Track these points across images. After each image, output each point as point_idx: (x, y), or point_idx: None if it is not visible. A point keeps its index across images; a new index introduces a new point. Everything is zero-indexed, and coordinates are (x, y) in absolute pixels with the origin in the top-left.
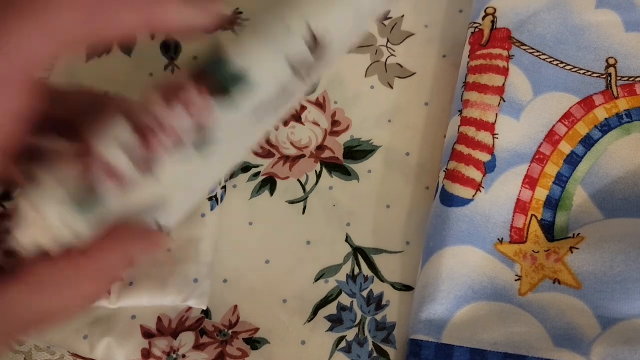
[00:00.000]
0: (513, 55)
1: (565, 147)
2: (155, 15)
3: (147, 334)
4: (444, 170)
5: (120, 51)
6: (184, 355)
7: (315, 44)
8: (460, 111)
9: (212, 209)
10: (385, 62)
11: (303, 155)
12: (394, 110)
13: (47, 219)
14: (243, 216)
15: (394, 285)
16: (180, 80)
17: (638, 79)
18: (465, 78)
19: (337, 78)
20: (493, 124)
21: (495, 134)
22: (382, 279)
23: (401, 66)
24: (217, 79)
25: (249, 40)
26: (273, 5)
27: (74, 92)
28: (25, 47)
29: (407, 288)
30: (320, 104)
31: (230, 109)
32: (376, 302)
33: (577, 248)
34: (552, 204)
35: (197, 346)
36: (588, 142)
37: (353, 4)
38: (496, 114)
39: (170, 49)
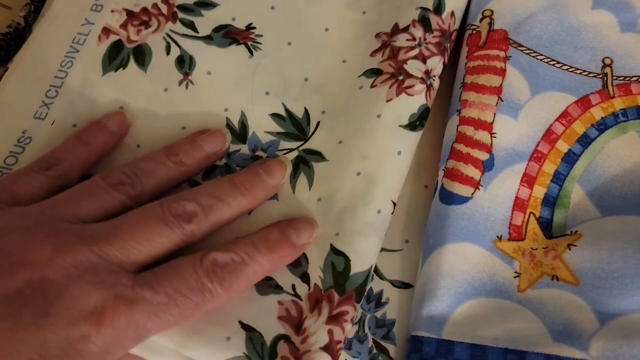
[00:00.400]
0: (510, 56)
1: (562, 146)
2: None
3: None
4: (443, 169)
5: (136, 65)
6: None
7: None
8: (459, 111)
9: None
10: None
11: None
12: None
13: None
14: None
15: (393, 283)
16: None
17: (634, 78)
18: (464, 79)
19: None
20: (491, 123)
21: (494, 133)
22: (381, 277)
23: None
24: None
25: None
26: None
27: None
28: None
29: (407, 286)
30: None
31: None
32: (376, 300)
33: (575, 245)
34: (550, 202)
35: None
36: (585, 141)
37: None
38: (494, 114)
39: (185, 63)
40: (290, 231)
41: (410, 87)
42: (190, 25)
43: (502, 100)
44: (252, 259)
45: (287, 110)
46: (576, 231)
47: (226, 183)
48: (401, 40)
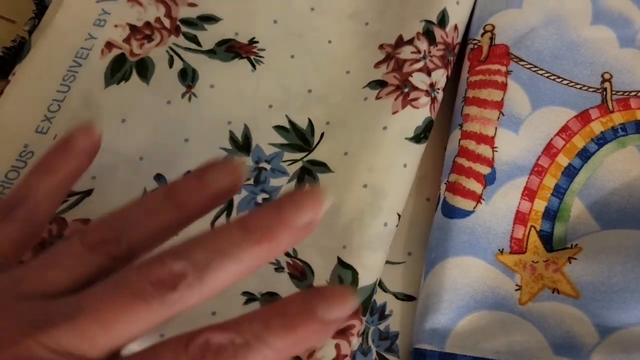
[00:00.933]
0: (511, 71)
1: (563, 160)
2: None
3: None
4: (445, 183)
5: (139, 78)
6: None
7: None
8: (461, 125)
9: None
10: None
11: None
12: None
13: None
14: None
15: (396, 296)
16: None
17: (632, 93)
18: (465, 93)
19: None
20: (493, 137)
21: (495, 148)
22: (385, 289)
23: None
24: None
25: None
26: None
27: None
28: None
29: (410, 298)
30: None
31: None
32: (380, 312)
33: (575, 259)
34: (550, 215)
35: None
36: (585, 155)
37: None
38: (496, 128)
39: (187, 76)
40: (317, 303)
41: (415, 99)
42: (194, 39)
43: (503, 115)
44: (262, 341)
45: (290, 122)
46: (576, 244)
47: (235, 228)
48: (406, 52)
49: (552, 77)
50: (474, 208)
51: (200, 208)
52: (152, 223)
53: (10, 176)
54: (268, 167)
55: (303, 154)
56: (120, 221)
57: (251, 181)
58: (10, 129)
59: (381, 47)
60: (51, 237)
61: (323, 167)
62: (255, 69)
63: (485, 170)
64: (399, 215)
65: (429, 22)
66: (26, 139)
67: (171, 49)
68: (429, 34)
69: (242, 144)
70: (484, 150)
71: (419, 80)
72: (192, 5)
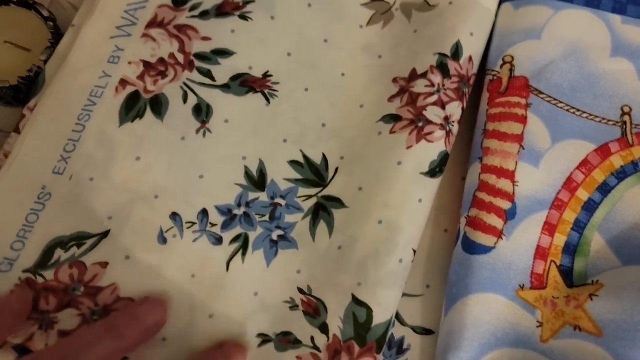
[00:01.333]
0: (531, 104)
1: (582, 194)
2: None
3: None
4: (465, 217)
5: (153, 114)
6: None
7: None
8: (481, 158)
9: None
10: None
11: None
12: None
13: None
14: None
15: (415, 329)
16: None
17: None
18: (485, 125)
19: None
20: (513, 171)
21: (516, 182)
22: (402, 323)
23: None
24: None
25: None
26: None
27: None
28: None
29: (428, 332)
30: None
31: None
32: (397, 347)
33: (596, 295)
34: (570, 249)
35: None
36: (604, 189)
37: None
38: (516, 162)
39: (202, 111)
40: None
41: (429, 133)
42: (207, 74)
43: (523, 148)
44: None
45: (304, 156)
46: (597, 280)
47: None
48: (419, 86)
49: (572, 110)
50: (495, 244)
51: (135, 340)
52: (92, 353)
53: (30, 219)
54: (283, 202)
55: (317, 189)
56: (66, 350)
57: (266, 217)
58: (28, 170)
59: (394, 80)
60: (73, 282)
61: (337, 202)
62: (269, 102)
63: (505, 205)
64: (414, 251)
65: (442, 54)
66: (43, 180)
67: (185, 84)
68: (442, 67)
69: (257, 179)
70: (504, 184)
71: (433, 113)
72: (206, 39)
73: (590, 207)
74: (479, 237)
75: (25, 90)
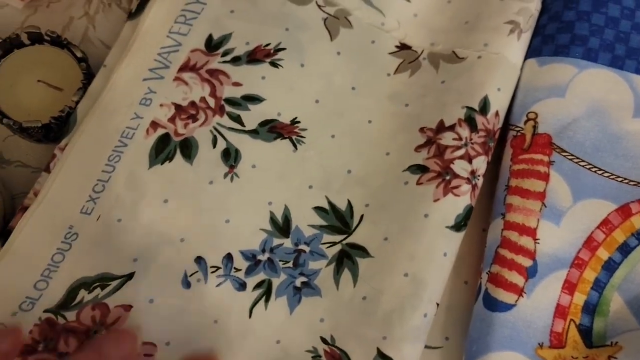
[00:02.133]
0: (554, 161)
1: (603, 254)
2: None
3: None
4: (486, 273)
5: (182, 158)
6: None
7: None
8: (503, 215)
9: None
10: None
11: None
12: None
13: None
14: None
15: None
16: None
17: None
18: (508, 182)
19: None
20: (535, 229)
21: (537, 240)
22: None
23: None
24: None
25: None
26: None
27: None
28: None
29: None
30: None
31: None
32: None
33: (615, 358)
34: (589, 309)
35: None
36: (625, 250)
37: None
38: (538, 219)
39: (230, 156)
40: None
41: (456, 187)
42: (237, 119)
43: (545, 206)
44: None
45: (330, 203)
46: (616, 342)
47: None
48: (447, 138)
49: (594, 169)
50: (516, 301)
51: None
52: None
53: (56, 259)
54: (307, 249)
55: (342, 237)
56: None
57: (290, 264)
58: (57, 210)
59: (422, 130)
60: (95, 325)
61: (362, 251)
62: (296, 149)
63: (527, 262)
64: (437, 305)
65: (470, 108)
66: (71, 220)
67: (215, 128)
68: (470, 121)
69: (282, 225)
70: (526, 242)
71: (461, 167)
72: (237, 84)
73: (610, 267)
74: (500, 294)
75: (56, 129)
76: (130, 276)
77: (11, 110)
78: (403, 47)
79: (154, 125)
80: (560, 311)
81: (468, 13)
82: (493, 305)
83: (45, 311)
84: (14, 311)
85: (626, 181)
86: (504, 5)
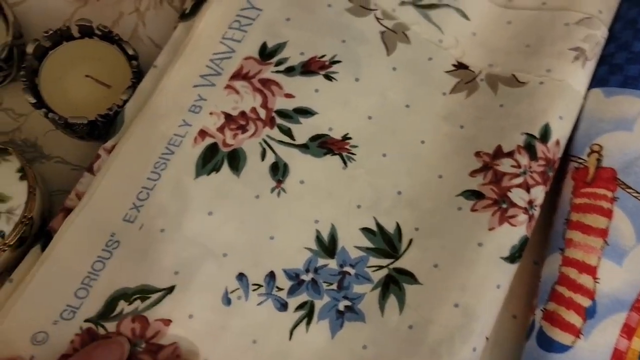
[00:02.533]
0: (618, 198)
1: None
2: None
3: None
4: (542, 310)
5: (230, 169)
6: None
7: None
8: (562, 250)
9: None
10: None
11: None
12: None
13: None
14: None
15: None
16: None
17: None
18: (569, 215)
19: None
20: (595, 267)
21: (597, 279)
22: None
23: None
24: None
25: None
26: None
27: None
28: None
29: None
30: None
31: None
32: None
33: None
34: None
35: None
36: None
37: None
38: (599, 257)
39: (279, 171)
40: None
41: (513, 217)
42: (288, 132)
43: (607, 244)
44: None
45: (378, 224)
46: None
47: None
48: (505, 165)
49: None
50: (573, 343)
51: None
52: None
53: (97, 267)
54: (352, 271)
55: (389, 261)
56: None
57: (334, 286)
58: (99, 216)
59: (477, 154)
60: (135, 337)
61: (410, 277)
62: (346, 166)
63: (586, 302)
64: (487, 339)
65: (530, 135)
66: (114, 227)
67: (264, 141)
68: (530, 148)
69: (328, 245)
70: (585, 280)
71: (518, 196)
72: (289, 96)
73: None
74: (557, 335)
75: (101, 127)
76: (170, 289)
77: (57, 104)
78: (460, 66)
79: (203, 134)
80: (618, 356)
81: (530, 36)
82: (548, 345)
83: (86, 321)
84: (55, 319)
85: None
86: (569, 30)
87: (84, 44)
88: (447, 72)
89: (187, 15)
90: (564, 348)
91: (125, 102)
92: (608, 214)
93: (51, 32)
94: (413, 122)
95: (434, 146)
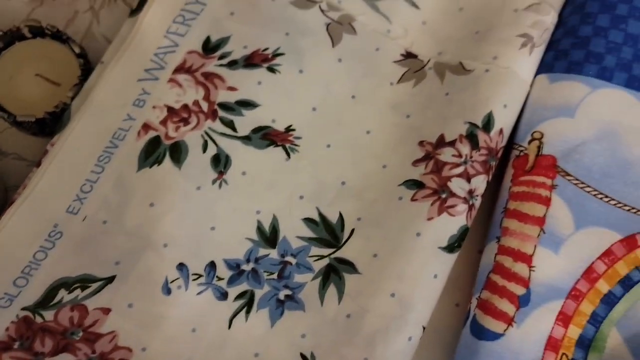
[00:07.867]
0: (557, 185)
1: (603, 286)
2: None
3: None
4: (476, 298)
5: (171, 162)
6: None
7: None
8: (499, 238)
9: None
10: None
11: None
12: None
13: None
14: None
15: None
16: None
17: None
18: (506, 204)
19: None
20: (531, 255)
21: (533, 267)
22: None
23: None
24: None
25: None
26: None
27: None
28: None
29: None
30: None
31: None
32: None
33: None
34: (584, 344)
35: None
36: (627, 284)
37: None
38: (535, 246)
39: (220, 162)
40: None
41: (452, 206)
42: (230, 124)
43: (544, 232)
44: None
45: (320, 214)
46: None
47: None
48: (447, 154)
49: (600, 196)
50: (504, 331)
51: None
52: None
53: (38, 257)
54: (293, 261)
55: (331, 250)
56: None
57: (275, 276)
58: (42, 206)
59: (421, 143)
60: (72, 326)
61: (350, 266)
62: (289, 157)
63: (519, 290)
64: (424, 328)
65: (473, 124)
66: (56, 218)
67: (206, 133)
68: (472, 138)
69: (269, 235)
70: (520, 268)
71: (458, 186)
72: (232, 89)
73: (610, 300)
74: (488, 322)
75: (50, 124)
76: (111, 279)
77: (8, 103)
78: (409, 55)
79: (146, 127)
80: (552, 344)
81: (480, 22)
82: (480, 333)
83: (23, 309)
84: None
85: (634, 210)
86: (518, 16)
87: (36, 43)
88: (395, 62)
89: (135, 11)
90: (495, 336)
91: (73, 98)
92: (546, 201)
93: (2, 33)
94: (359, 113)
95: (380, 136)
